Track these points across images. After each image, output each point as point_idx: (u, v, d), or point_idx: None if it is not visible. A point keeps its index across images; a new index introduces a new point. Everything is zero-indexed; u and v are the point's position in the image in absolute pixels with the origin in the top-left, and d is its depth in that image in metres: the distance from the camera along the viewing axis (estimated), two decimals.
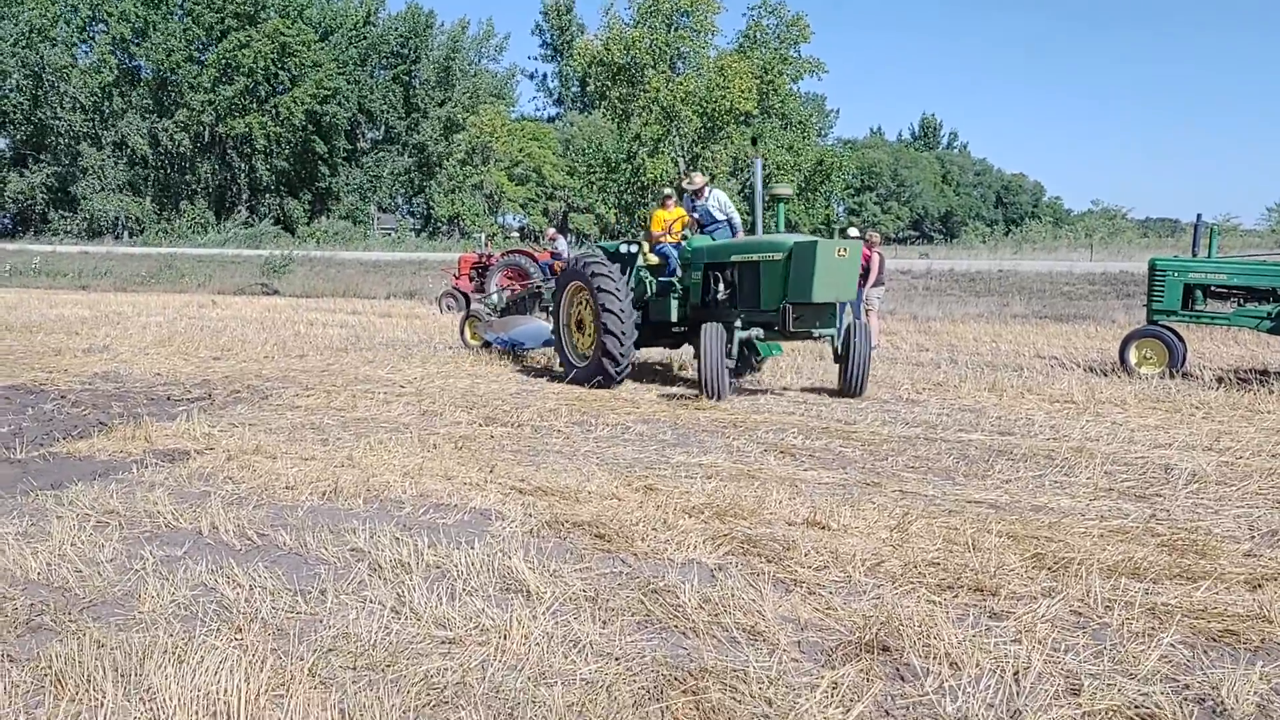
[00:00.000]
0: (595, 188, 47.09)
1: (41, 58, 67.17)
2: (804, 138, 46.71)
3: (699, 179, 12.96)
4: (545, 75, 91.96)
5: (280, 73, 68.60)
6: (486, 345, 15.36)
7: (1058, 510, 6.36)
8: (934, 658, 4.05)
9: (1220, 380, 12.00)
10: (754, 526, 5.94)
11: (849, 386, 10.97)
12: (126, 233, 68.69)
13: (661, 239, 12.62)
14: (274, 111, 68.70)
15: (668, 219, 12.98)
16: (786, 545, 5.54)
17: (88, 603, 4.69)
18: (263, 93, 69.25)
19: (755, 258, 10.95)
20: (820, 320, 10.94)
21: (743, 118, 42.75)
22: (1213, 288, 12.86)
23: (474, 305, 19.22)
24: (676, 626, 4.45)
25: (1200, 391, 11.19)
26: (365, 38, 74.94)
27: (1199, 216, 13.82)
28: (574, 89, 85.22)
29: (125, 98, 70.22)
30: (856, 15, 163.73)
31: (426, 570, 5.12)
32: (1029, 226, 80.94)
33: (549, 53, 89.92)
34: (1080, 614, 4.58)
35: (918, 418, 9.74)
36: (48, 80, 68.00)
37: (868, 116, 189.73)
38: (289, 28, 68.04)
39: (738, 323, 11.05)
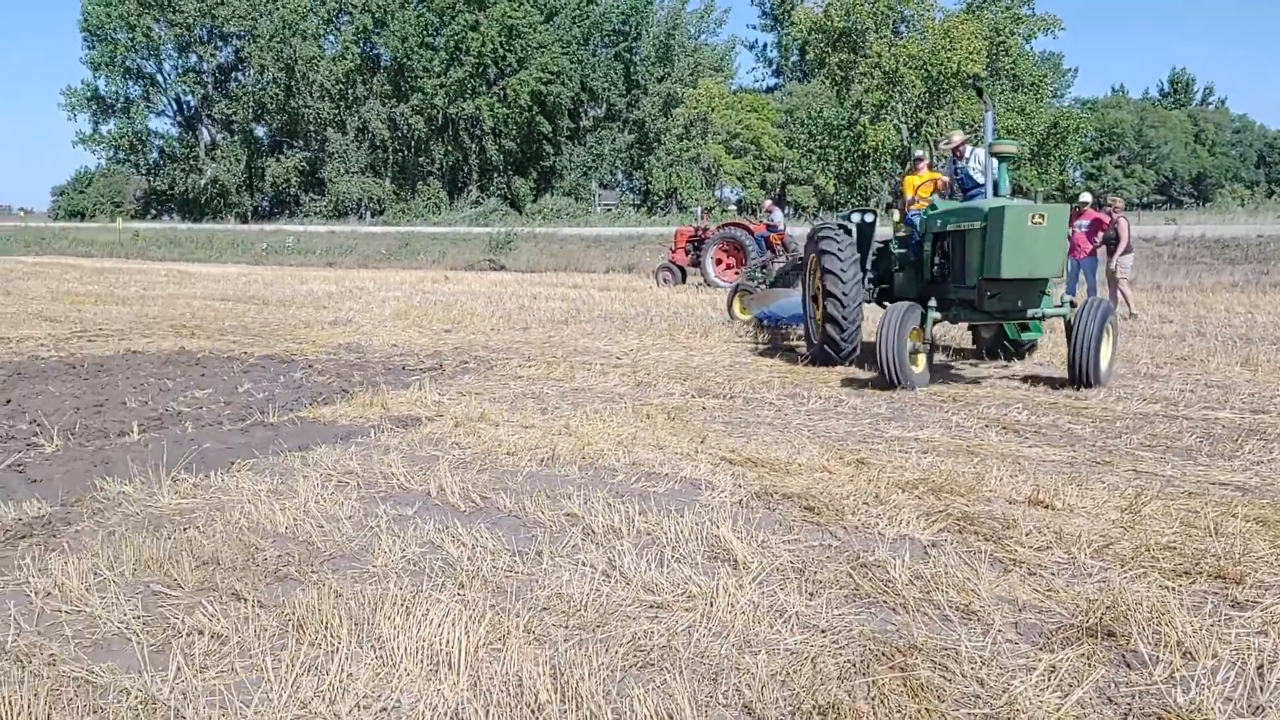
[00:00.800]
0: (814, 158, 46.40)
1: (294, 50, 72.26)
2: (1037, 99, 44.33)
3: (956, 137, 11.69)
4: (765, 45, 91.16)
5: (507, 55, 71.06)
6: (759, 322, 14.86)
7: None
8: (1165, 646, 3.79)
9: None
10: (971, 504, 5.73)
11: (1075, 375, 9.41)
12: (369, 213, 73.21)
13: (910, 207, 11.69)
14: (502, 93, 71.30)
15: (916, 184, 11.99)
16: (1006, 524, 5.32)
17: (328, 556, 5.06)
18: (491, 75, 71.97)
19: (961, 226, 9.91)
20: (1025, 299, 9.57)
21: (970, 80, 40.95)
22: None
23: (741, 279, 19.09)
24: (885, 602, 4.36)
25: None
26: (588, 17, 76.50)
27: None
28: (793, 58, 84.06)
29: (367, 85, 74.62)
30: None
31: (637, 536, 5.23)
32: None
33: (768, 22, 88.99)
34: None
35: (1157, 394, 9.11)
36: (299, 71, 73.12)
37: (1110, 74, 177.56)
38: (515, 10, 70.32)
39: (933, 301, 10.08)
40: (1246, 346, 11.70)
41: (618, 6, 78.66)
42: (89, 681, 3.67)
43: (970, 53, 39.77)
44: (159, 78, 78.92)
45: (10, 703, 3.40)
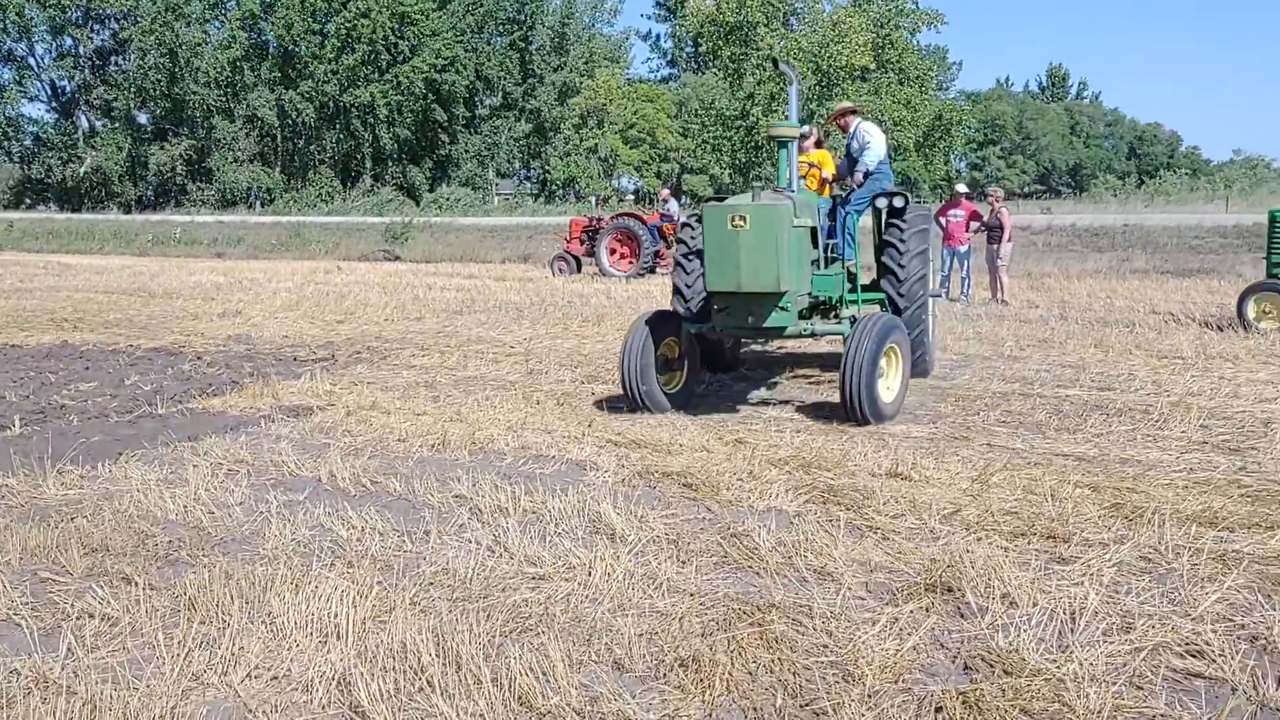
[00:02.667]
0: (709, 148, 47.04)
1: (177, 36, 70.08)
2: (922, 92, 45.67)
3: (843, 107, 10.17)
4: (659, 36, 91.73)
5: (400, 42, 70.10)
6: None
7: (1145, 463, 6.39)
8: (993, 597, 4.22)
9: None
10: (837, 477, 6.14)
11: (846, 408, 7.62)
12: (259, 202, 71.53)
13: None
14: (395, 81, 70.34)
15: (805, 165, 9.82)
16: (866, 494, 5.73)
17: (219, 540, 5.20)
18: (383, 63, 70.92)
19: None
20: (754, 315, 7.71)
21: (858, 73, 42.04)
22: None
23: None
24: (750, 567, 4.71)
25: None
26: (482, 4, 75.89)
27: None
28: (687, 49, 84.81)
29: (255, 71, 72.84)
30: None
31: (522, 515, 5.49)
32: (1163, 178, 77.42)
33: (662, 13, 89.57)
34: (1149, 559, 4.68)
35: (1016, 374, 9.72)
36: (182, 57, 70.95)
37: (993, 68, 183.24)
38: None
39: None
40: (1101, 329, 12.48)
41: None
42: None
43: (858, 46, 40.80)
44: (31, 61, 75.76)
45: None
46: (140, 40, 70.26)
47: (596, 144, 67.18)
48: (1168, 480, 5.92)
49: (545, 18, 79.38)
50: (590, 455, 6.79)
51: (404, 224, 37.17)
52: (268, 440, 7.26)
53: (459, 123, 76.09)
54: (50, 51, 75.72)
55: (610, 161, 68.15)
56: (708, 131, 47.09)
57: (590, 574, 4.60)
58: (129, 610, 4.22)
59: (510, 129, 78.29)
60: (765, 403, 8.72)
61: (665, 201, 25.84)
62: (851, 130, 9.69)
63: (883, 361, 7.66)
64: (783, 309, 7.63)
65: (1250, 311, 12.30)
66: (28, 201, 77.47)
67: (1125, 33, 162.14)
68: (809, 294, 8.21)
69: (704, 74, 69.02)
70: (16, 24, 71.68)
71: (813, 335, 8.41)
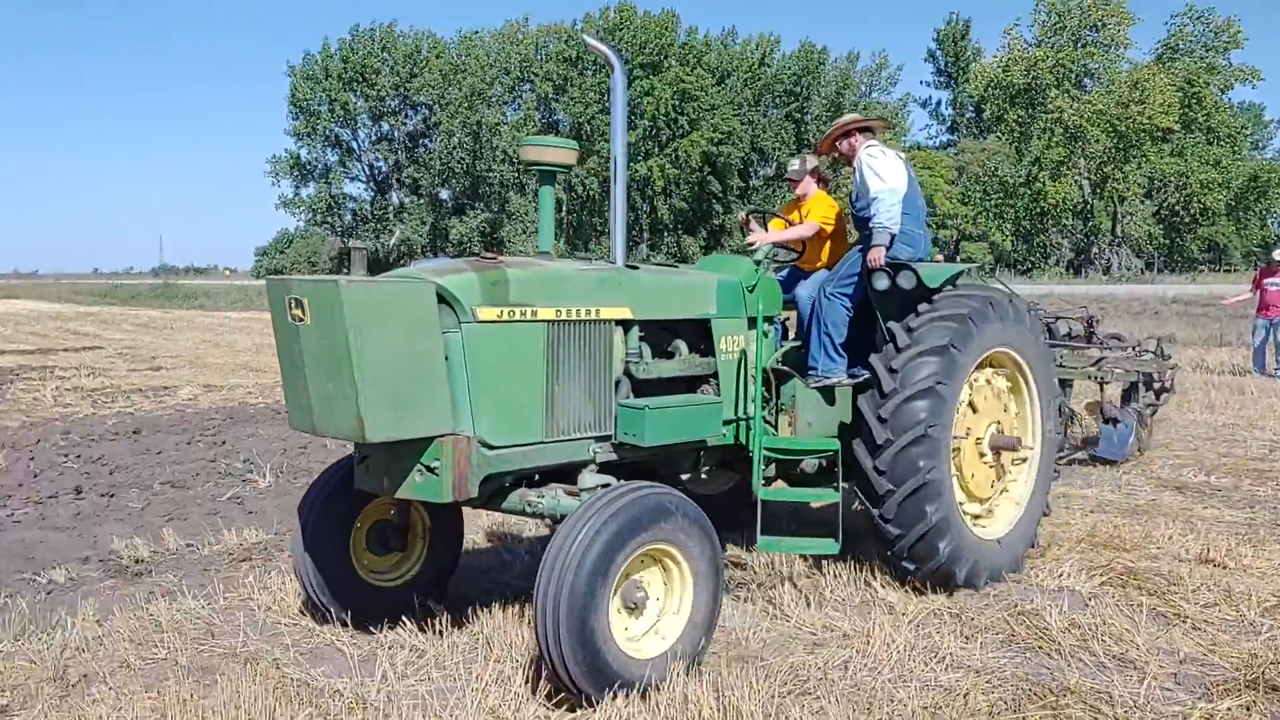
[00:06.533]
0: (990, 214, 45.60)
1: (480, 118, 76.08)
2: (1234, 152, 42.37)
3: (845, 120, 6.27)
4: (939, 102, 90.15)
5: (679, 118, 72.77)
6: None
7: None
8: None
9: None
10: (1137, 560, 5.71)
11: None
12: None
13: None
14: (673, 154, 72.97)
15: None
16: (1172, 580, 5.30)
17: (510, 579, 5.49)
18: (663, 137, 73.80)
19: None
20: (389, 474, 4.32)
21: (1160, 134, 39.56)
22: None
23: None
24: (1041, 648, 4.46)
25: None
26: (760, 79, 77.63)
27: None
28: (968, 114, 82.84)
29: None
30: None
31: (797, 579, 5.46)
32: None
33: (942, 79, 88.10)
34: None
35: None
36: (483, 137, 76.84)
37: None
38: (689, 74, 72.10)
39: None
40: None
41: (789, 68, 79.53)
42: (307, 683, 4.17)
43: (1162, 105, 38.44)
44: (354, 145, 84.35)
45: (243, 697, 3.90)
46: (447, 124, 76.76)
47: None
48: None
49: (821, 88, 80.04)
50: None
51: None
52: None
53: (733, 193, 77.73)
54: (370, 136, 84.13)
55: None
56: (989, 198, 45.67)
57: (868, 642, 4.50)
58: (433, 644, 4.53)
59: (784, 198, 79.09)
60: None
61: None
62: (856, 158, 5.96)
63: (636, 579, 4.13)
64: (429, 469, 4.15)
65: None
66: (345, 269, 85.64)
67: None
68: (540, 442, 4.42)
69: (985, 139, 67.20)
70: (343, 114, 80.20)
71: (536, 515, 4.63)
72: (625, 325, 4.76)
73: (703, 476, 5.35)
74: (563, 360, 4.45)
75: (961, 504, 5.44)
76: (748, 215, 6.44)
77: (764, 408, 5.33)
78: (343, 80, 79.21)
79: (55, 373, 16.04)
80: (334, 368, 3.93)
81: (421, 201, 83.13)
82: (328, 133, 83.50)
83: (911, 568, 5.16)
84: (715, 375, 5.15)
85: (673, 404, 4.73)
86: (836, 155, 6.19)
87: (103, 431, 10.41)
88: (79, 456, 9.06)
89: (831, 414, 5.57)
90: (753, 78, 77.82)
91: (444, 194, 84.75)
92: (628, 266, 4.95)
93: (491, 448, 4.21)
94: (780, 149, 78.72)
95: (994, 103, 43.56)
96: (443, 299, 4.12)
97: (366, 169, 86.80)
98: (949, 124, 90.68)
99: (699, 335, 5.16)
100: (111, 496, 7.58)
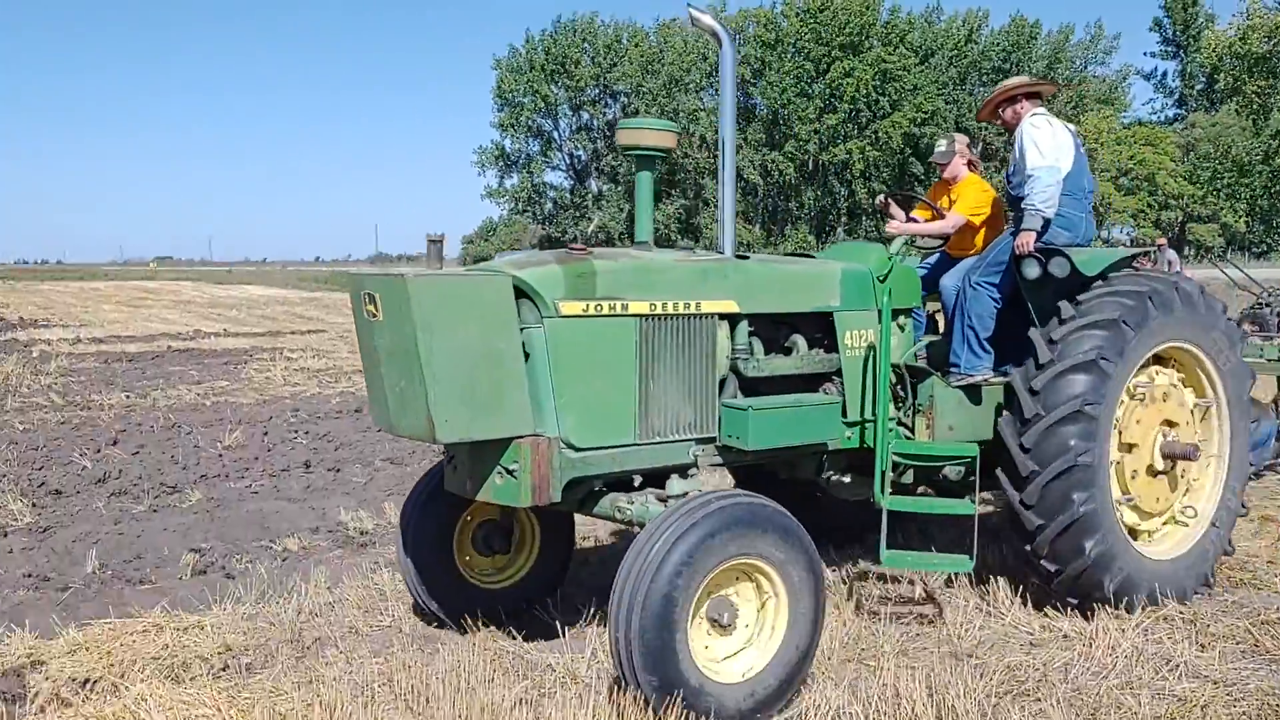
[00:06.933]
0: (1222, 194, 42.41)
1: (677, 104, 76.63)
2: None
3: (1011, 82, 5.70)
4: (1164, 74, 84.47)
5: (880, 99, 71.04)
6: None
7: None
8: None
9: None
10: None
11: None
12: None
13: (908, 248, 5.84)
14: (873, 137, 71.34)
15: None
16: None
17: None
18: (863, 119, 72.26)
19: None
20: (471, 477, 4.21)
21: None
22: None
23: None
24: None
25: None
26: (966, 56, 74.85)
27: None
28: (1198, 86, 77.30)
29: (742, 133, 77.47)
30: None
31: (1011, 575, 5.24)
32: None
33: (1169, 49, 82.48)
34: None
35: None
36: (680, 124, 77.40)
37: None
38: (890, 54, 70.29)
39: None
40: None
41: (997, 45, 76.29)
42: (522, 656, 4.32)
43: None
44: (555, 135, 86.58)
45: (463, 666, 4.05)
46: (645, 111, 77.66)
47: None
48: None
49: (1032, 64, 76.39)
50: None
51: None
52: None
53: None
54: (570, 126, 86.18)
55: (1101, 210, 63.70)
56: (1220, 176, 42.46)
57: (1090, 645, 4.29)
58: None
59: (991, 178, 76.12)
60: None
61: (1161, 250, 23.62)
62: (1018, 128, 5.40)
63: (725, 596, 3.85)
64: (508, 472, 3.97)
65: None
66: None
67: None
68: (631, 444, 4.20)
69: (1216, 111, 62.61)
70: (545, 105, 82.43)
71: (626, 523, 4.38)
72: (732, 319, 4.47)
73: (830, 481, 4.96)
74: (658, 357, 4.19)
75: (1131, 526, 4.90)
76: (886, 198, 5.95)
77: (899, 408, 4.93)
78: (545, 72, 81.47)
79: (284, 354, 17.15)
80: (406, 365, 3.82)
81: (619, 189, 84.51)
82: (530, 123, 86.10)
83: (1052, 568, 4.60)
84: (839, 373, 4.75)
85: (782, 404, 4.44)
86: (998, 123, 5.58)
87: (328, 410, 11.07)
88: (307, 433, 9.67)
89: (976, 416, 4.99)
90: (958, 55, 75.10)
91: None
92: (738, 257, 4.65)
93: (577, 450, 4.00)
94: (986, 129, 75.74)
95: (1229, 73, 40.29)
96: (524, 293, 3.94)
97: (566, 158, 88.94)
98: (1176, 97, 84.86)
99: (820, 329, 4.79)
100: (337, 471, 8.06)
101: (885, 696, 3.73)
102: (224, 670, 4.21)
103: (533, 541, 4.98)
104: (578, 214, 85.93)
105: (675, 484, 4.22)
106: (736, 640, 3.82)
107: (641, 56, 79.04)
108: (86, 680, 4.10)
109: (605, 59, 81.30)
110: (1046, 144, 5.10)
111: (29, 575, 5.51)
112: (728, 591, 3.80)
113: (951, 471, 4.96)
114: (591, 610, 4.74)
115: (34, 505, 6.92)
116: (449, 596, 4.68)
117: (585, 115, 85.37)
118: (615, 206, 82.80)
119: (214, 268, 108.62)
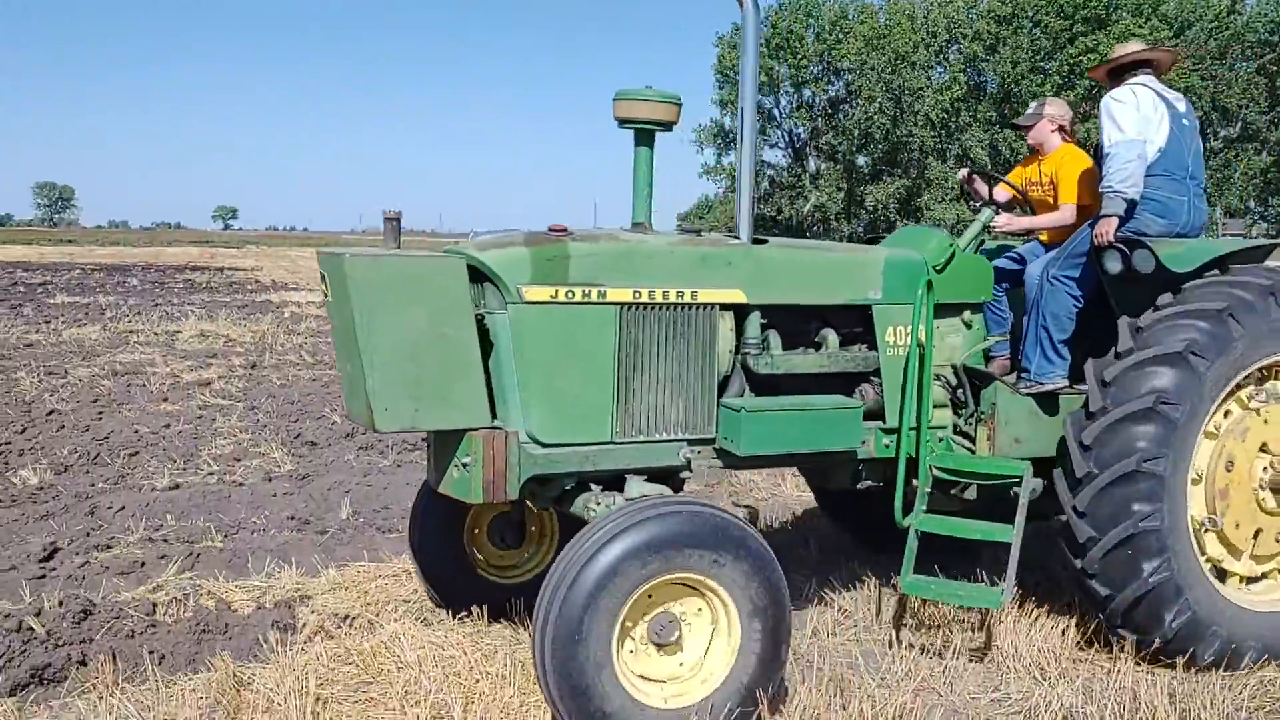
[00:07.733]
0: None
1: (903, 81, 74.54)
2: None
3: (1126, 48, 5.14)
4: None
5: None
6: None
7: None
8: None
9: None
10: None
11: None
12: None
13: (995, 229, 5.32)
14: None
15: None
16: None
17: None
18: (1100, 96, 68.26)
19: None
20: (437, 466, 4.13)
21: None
22: None
23: None
24: None
25: None
26: (1228, 28, 69.22)
27: None
28: None
29: (970, 112, 74.58)
30: None
31: None
32: None
33: None
34: None
35: None
36: (905, 102, 75.21)
37: None
38: (1141, 26, 65.86)
39: None
40: None
41: (1266, 14, 70.09)
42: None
43: None
44: (775, 113, 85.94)
45: None
46: (869, 89, 76.02)
47: None
48: None
49: None
50: None
51: None
52: None
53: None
54: (791, 103, 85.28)
55: None
56: None
57: None
58: (861, 606, 4.61)
59: (1247, 162, 70.25)
60: None
61: None
62: (1100, 103, 4.82)
63: (672, 611, 3.56)
64: (463, 465, 3.78)
65: None
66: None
67: None
68: (626, 441, 3.97)
69: None
70: (766, 82, 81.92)
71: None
72: (738, 310, 4.11)
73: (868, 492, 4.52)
74: (642, 349, 3.88)
75: (1219, 561, 4.23)
76: (970, 174, 5.34)
77: (959, 415, 4.48)
78: (769, 48, 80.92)
79: None
80: (349, 348, 3.63)
81: (837, 169, 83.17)
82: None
83: (1103, 592, 4.04)
84: (877, 372, 4.33)
85: (785, 406, 3.99)
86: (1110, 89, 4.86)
87: None
88: None
89: (1048, 428, 4.43)
90: (1219, 27, 69.60)
91: (860, 160, 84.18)
92: (754, 241, 4.21)
93: (544, 445, 3.74)
94: (1249, 107, 69.90)
95: None
96: (486, 276, 3.72)
97: (785, 136, 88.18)
98: None
99: (859, 324, 4.37)
100: None
101: (1122, 700, 3.61)
102: (467, 616, 4.51)
103: (550, 537, 4.79)
104: (794, 193, 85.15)
105: (633, 486, 3.88)
106: (676, 664, 3.52)
107: (867, 32, 77.22)
108: (347, 616, 4.50)
109: (830, 35, 79.99)
110: (1128, 118, 4.54)
111: (292, 518, 6.06)
112: (674, 608, 3.49)
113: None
114: None
115: (293, 454, 7.58)
116: (458, 589, 4.56)
117: (807, 92, 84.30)
118: (834, 186, 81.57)
119: (442, 239, 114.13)
